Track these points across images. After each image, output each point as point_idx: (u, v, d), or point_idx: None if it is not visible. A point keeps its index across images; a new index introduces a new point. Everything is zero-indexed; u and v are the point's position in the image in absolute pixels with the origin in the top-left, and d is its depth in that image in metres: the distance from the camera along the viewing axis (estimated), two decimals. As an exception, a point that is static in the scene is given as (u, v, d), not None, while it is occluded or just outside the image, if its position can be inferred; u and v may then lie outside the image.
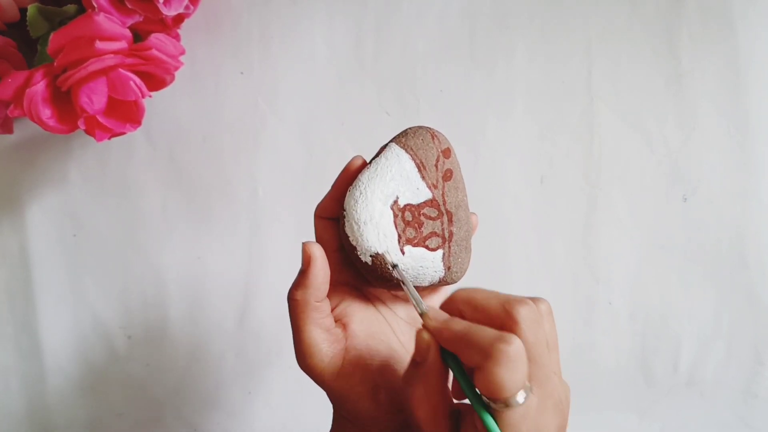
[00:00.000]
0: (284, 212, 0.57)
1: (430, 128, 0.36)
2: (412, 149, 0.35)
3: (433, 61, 0.57)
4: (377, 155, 0.36)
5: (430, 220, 0.35)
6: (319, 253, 0.33)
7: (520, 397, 0.26)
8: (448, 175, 0.36)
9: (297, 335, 0.33)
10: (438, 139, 0.36)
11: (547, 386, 0.28)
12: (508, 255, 0.58)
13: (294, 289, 0.33)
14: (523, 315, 0.27)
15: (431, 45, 0.57)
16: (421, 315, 0.30)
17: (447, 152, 0.36)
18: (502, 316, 0.28)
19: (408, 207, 0.35)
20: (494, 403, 0.26)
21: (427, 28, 0.57)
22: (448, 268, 0.35)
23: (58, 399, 0.57)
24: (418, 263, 0.34)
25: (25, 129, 0.54)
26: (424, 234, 0.34)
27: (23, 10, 0.47)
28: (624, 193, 0.57)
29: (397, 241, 0.34)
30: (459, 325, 0.28)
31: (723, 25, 0.56)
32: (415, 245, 0.34)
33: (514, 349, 0.26)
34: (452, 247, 0.35)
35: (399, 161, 0.35)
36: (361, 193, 0.34)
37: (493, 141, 0.57)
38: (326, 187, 0.36)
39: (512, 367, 0.26)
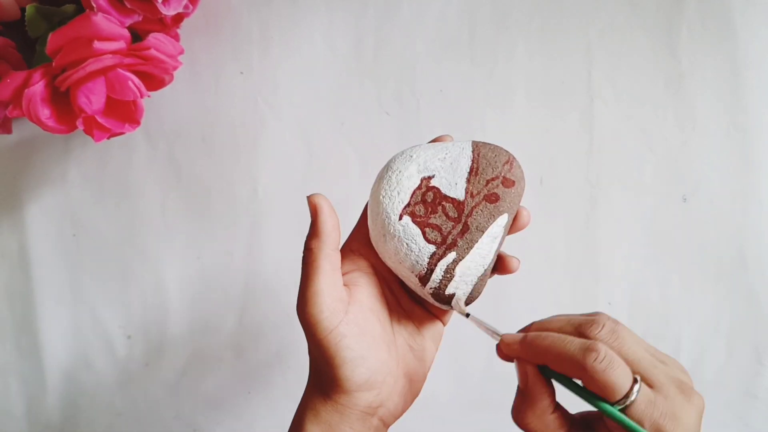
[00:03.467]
0: (284, 212, 0.56)
1: (511, 154, 0.36)
2: (479, 152, 0.35)
3: (433, 61, 0.57)
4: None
5: (444, 215, 0.34)
6: (324, 203, 0.33)
7: (636, 387, 0.28)
8: (492, 198, 0.34)
9: (304, 282, 0.33)
10: (510, 166, 0.35)
11: (657, 375, 0.29)
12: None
13: (308, 239, 0.33)
14: (601, 336, 0.29)
15: (431, 45, 0.57)
16: (499, 342, 0.33)
17: (508, 182, 0.35)
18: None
19: (434, 189, 0.34)
20: (616, 404, 0.28)
21: (427, 28, 0.56)
22: (431, 271, 0.33)
23: (58, 399, 0.57)
24: (407, 239, 0.33)
25: (24, 129, 0.54)
26: (430, 221, 0.34)
27: (24, 10, 0.47)
28: (624, 193, 0.57)
29: (403, 206, 0.34)
30: (540, 339, 0.31)
31: (723, 25, 0.56)
32: (415, 222, 0.34)
33: (602, 356, 0.28)
34: (447, 255, 0.33)
35: (460, 153, 0.35)
36: (409, 154, 0.35)
37: (493, 141, 0.57)
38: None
39: (611, 371, 0.28)
